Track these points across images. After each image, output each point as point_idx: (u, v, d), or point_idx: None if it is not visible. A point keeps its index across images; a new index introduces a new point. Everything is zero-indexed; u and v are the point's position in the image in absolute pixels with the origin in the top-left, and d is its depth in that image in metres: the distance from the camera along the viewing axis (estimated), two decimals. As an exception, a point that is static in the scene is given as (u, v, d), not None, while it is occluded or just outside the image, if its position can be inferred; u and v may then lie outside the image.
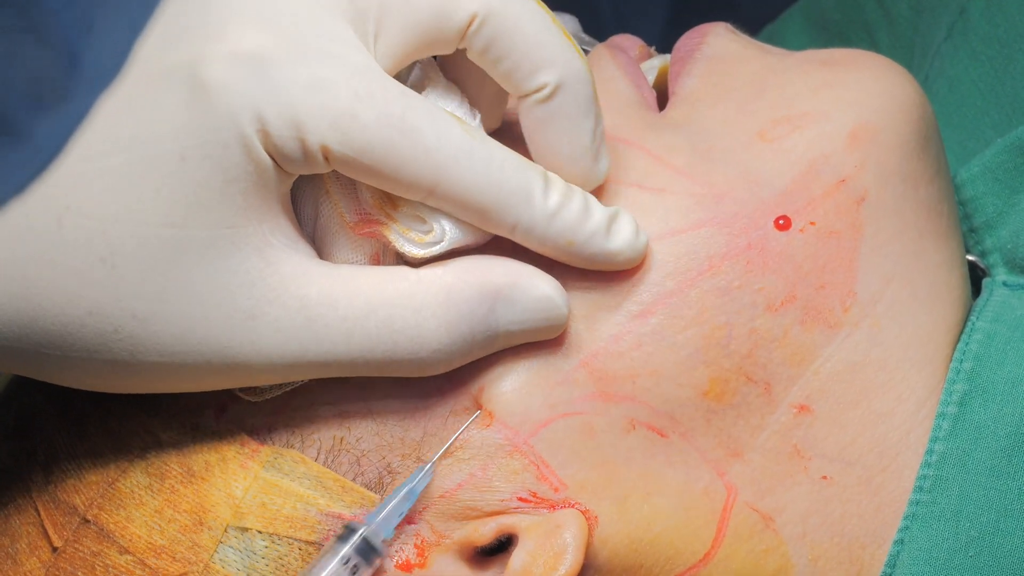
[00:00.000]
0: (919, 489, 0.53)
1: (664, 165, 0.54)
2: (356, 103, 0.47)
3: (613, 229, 0.51)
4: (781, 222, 0.53)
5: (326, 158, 0.48)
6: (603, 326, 0.52)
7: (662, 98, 0.58)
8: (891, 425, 0.54)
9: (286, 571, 0.51)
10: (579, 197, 0.50)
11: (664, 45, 0.61)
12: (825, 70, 0.56)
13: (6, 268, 0.47)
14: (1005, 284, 0.59)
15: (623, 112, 0.56)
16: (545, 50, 0.49)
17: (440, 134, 0.48)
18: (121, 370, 0.49)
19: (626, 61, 0.59)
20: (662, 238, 0.53)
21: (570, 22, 0.61)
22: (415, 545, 0.52)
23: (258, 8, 0.47)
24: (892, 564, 0.53)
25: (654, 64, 0.59)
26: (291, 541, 0.51)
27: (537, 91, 0.50)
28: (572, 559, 0.51)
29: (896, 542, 0.53)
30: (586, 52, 0.61)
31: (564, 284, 0.52)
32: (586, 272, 0.52)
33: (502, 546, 0.52)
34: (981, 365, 0.55)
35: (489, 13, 0.49)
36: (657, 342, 0.52)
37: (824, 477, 0.53)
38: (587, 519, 0.52)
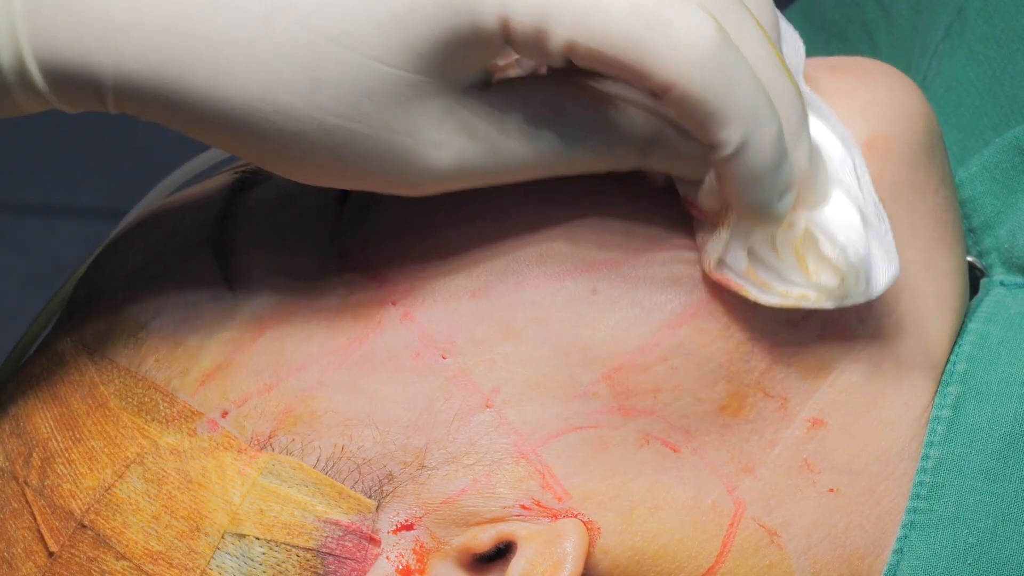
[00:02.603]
0: (916, 496, 0.53)
1: None
2: None
3: (786, 198, 0.49)
4: None
5: (565, 52, 0.47)
6: (629, 337, 0.51)
7: None
8: (898, 433, 0.54)
9: None
10: (804, 149, 0.49)
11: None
12: (836, 76, 0.56)
13: (192, 42, 0.47)
14: (1002, 283, 0.58)
15: None
16: (728, 107, 0.47)
17: (692, 31, 0.46)
18: (300, 163, 0.49)
19: None
20: (689, 247, 0.52)
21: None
22: (414, 551, 0.52)
23: None
24: (892, 574, 0.53)
25: None
26: (288, 548, 0.51)
27: (718, 147, 0.48)
28: (571, 568, 0.50)
29: (895, 551, 0.53)
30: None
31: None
32: (609, 280, 0.52)
33: (501, 553, 0.52)
34: (974, 366, 0.54)
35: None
36: (683, 356, 0.51)
37: (831, 490, 0.53)
38: (589, 529, 0.51)
